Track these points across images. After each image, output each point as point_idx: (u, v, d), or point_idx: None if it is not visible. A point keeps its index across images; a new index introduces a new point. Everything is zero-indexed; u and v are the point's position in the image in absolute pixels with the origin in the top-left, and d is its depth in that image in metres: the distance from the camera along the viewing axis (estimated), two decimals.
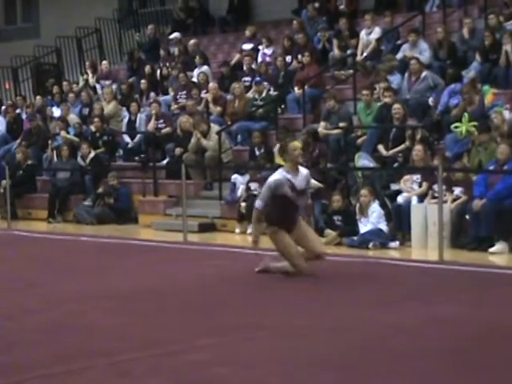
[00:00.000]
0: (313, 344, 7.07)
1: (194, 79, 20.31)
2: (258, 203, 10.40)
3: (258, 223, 10.51)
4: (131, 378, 6.14)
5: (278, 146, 11.25)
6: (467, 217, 12.93)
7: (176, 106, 19.69)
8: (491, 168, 13.22)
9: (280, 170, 10.46)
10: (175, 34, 22.72)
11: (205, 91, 19.43)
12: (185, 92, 19.75)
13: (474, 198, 12.93)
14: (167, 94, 20.64)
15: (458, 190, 13.33)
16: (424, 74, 16.39)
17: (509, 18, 17.28)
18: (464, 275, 10.72)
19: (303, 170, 10.56)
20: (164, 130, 18.84)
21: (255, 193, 15.40)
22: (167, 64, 21.69)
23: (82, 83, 22.85)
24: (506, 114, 14.23)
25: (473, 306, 8.67)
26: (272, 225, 10.40)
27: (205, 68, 20.41)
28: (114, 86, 21.49)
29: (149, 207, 17.39)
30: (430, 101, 16.10)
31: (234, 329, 7.69)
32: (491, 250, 12.39)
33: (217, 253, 13.40)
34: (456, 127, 14.49)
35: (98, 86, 22.16)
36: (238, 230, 15.38)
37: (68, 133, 19.82)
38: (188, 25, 24.28)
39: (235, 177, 16.24)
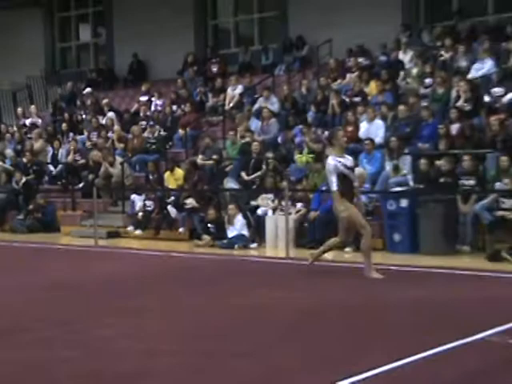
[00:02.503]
0: (192, 321, 7.02)
1: (103, 123, 20.06)
2: (333, 187, 9.51)
3: (340, 201, 9.50)
4: (52, 351, 5.96)
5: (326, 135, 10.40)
6: (306, 224, 13.09)
7: (89, 143, 19.35)
8: (323, 188, 13.41)
9: (331, 158, 9.66)
10: (88, 89, 22.45)
11: (111, 132, 19.24)
12: (96, 133, 19.46)
13: (311, 210, 13.12)
14: (82, 134, 20.29)
15: (299, 205, 13.48)
16: (273, 119, 16.58)
17: (334, 80, 17.63)
18: (304, 267, 10.82)
19: (347, 156, 9.88)
20: (80, 162, 18.50)
21: (149, 208, 15.36)
22: (82, 111, 21.43)
23: (15, 126, 22.31)
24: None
25: (311, 289, 8.76)
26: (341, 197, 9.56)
27: (111, 114, 20.19)
28: (41, 128, 21.06)
29: (68, 220, 17.06)
30: (279, 139, 16.29)
31: (133, 310, 7.56)
32: None
33: (120, 254, 13.23)
34: (299, 158, 14.68)
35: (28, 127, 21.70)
36: (135, 232, 15.23)
37: (5, 163, 19.35)
38: (98, 82, 23.98)
39: (134, 196, 16.08)
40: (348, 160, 9.72)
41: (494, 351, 5.61)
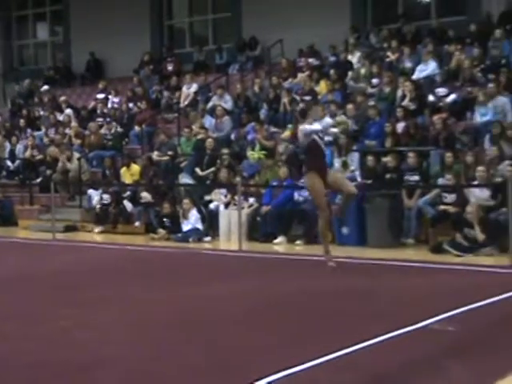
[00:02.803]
0: (146, 311, 6.99)
1: (60, 119, 19.83)
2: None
3: (307, 176, 9.12)
4: (9, 342, 5.87)
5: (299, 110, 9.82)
6: (258, 218, 13.12)
7: (47, 139, 19.13)
8: (275, 184, 13.47)
9: (301, 126, 9.25)
10: (46, 86, 22.15)
11: (68, 128, 19.02)
12: (53, 129, 19.25)
13: (263, 205, 13.14)
14: (40, 130, 20.03)
15: (251, 200, 13.50)
16: (226, 117, 16.56)
17: (285, 79, 17.67)
18: (257, 259, 10.86)
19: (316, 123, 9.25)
20: (37, 157, 18.29)
21: (106, 202, 15.23)
22: (40, 108, 21.15)
23: None
24: (282, 146, 14.47)
25: (264, 280, 8.77)
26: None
27: (68, 111, 19.96)
28: None
29: (26, 214, 16.85)
30: (233, 136, 16.28)
31: (90, 301, 7.50)
32: (275, 241, 12.61)
33: (77, 247, 13.10)
34: (251, 154, 14.69)
35: None
36: (96, 230, 15.00)
37: None
38: (56, 79, 23.70)
39: (91, 191, 15.95)
40: (318, 126, 9.16)
41: (435, 338, 5.70)
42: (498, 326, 6.19)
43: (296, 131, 14.91)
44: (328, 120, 9.62)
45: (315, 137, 9.07)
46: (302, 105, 10.03)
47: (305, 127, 9.17)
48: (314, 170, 9.14)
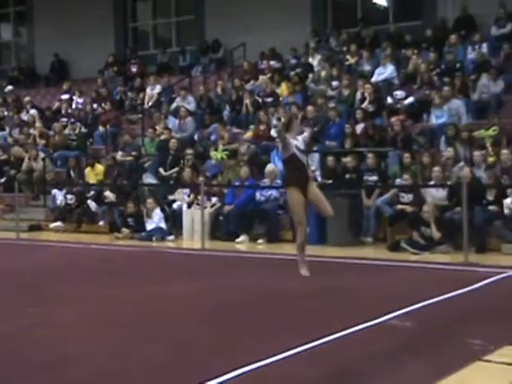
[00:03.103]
0: (109, 309, 6.93)
1: (25, 119, 19.58)
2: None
3: (288, 191, 8.75)
4: None
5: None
6: (221, 217, 13.09)
7: (11, 139, 18.88)
8: (237, 184, 13.46)
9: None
10: (10, 87, 21.91)
11: (33, 129, 18.79)
12: (18, 129, 19.01)
13: (225, 204, 13.12)
14: (4, 130, 19.77)
15: (214, 199, 13.48)
16: (189, 118, 16.51)
17: (248, 81, 17.68)
18: (219, 258, 10.84)
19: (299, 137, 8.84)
20: (2, 157, 18.04)
21: (70, 202, 15.07)
22: (4, 108, 20.86)
23: None
24: (244, 147, 14.47)
25: (226, 278, 8.76)
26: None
27: (33, 111, 19.72)
28: None
29: None
30: (196, 137, 16.23)
31: (55, 299, 7.40)
32: (237, 240, 12.59)
33: (42, 246, 12.91)
34: (214, 155, 14.66)
35: None
36: (54, 225, 14.88)
37: None
38: (20, 80, 23.43)
39: (55, 191, 15.77)
40: (300, 142, 8.77)
41: (393, 334, 5.74)
42: (453, 321, 6.25)
43: (259, 133, 15.00)
44: (305, 133, 9.39)
45: (295, 150, 8.67)
46: (283, 119, 9.70)
47: (290, 142, 8.64)
48: (295, 184, 8.70)
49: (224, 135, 15.04)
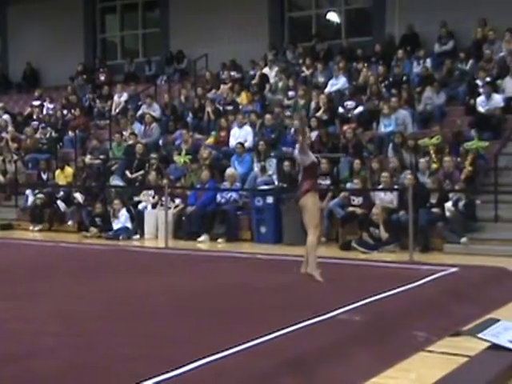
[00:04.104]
0: (78, 305, 6.85)
1: None
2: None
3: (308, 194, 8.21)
4: None
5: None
6: (183, 218, 13.05)
7: None
8: (198, 186, 13.43)
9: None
10: None
11: (5, 133, 18.50)
12: None
13: (188, 205, 13.09)
14: None
15: (178, 201, 13.44)
16: (154, 124, 16.43)
17: (209, 90, 17.66)
18: (182, 256, 10.81)
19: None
20: None
21: (41, 203, 14.87)
22: None
23: None
24: (206, 152, 14.42)
25: (188, 275, 8.73)
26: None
27: (5, 117, 19.41)
28: None
29: None
30: (161, 142, 16.15)
31: (26, 295, 7.27)
32: (199, 239, 12.58)
33: (13, 244, 12.72)
34: (177, 158, 14.60)
35: None
36: (31, 228, 14.69)
37: None
38: None
39: (27, 191, 15.57)
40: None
41: (342, 328, 5.77)
42: (399, 315, 6.31)
43: (220, 139, 14.98)
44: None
45: (314, 158, 8.39)
46: (296, 124, 9.10)
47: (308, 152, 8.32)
48: (315, 190, 8.39)
49: (188, 140, 15.00)
